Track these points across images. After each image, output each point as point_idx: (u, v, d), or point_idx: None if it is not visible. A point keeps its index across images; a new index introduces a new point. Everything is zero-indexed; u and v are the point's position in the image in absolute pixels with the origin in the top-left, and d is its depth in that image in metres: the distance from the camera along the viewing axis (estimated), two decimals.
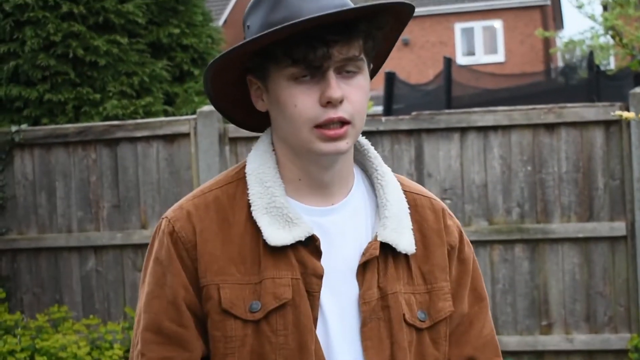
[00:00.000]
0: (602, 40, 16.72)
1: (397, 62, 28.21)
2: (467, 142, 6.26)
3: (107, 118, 7.18)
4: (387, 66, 24.74)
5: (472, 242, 6.56)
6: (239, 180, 1.87)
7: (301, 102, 1.76)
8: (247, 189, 1.84)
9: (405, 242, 1.86)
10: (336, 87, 1.75)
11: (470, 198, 6.26)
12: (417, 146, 6.30)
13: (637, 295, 6.09)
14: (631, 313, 6.12)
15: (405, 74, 25.19)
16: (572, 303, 6.19)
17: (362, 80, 1.80)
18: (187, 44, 7.82)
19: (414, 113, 6.37)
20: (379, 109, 14.62)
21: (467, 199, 6.26)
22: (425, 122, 6.28)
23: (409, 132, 6.30)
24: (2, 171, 6.67)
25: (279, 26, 1.72)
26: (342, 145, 1.78)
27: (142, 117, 7.22)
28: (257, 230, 1.81)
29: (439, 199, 1.99)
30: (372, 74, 1.91)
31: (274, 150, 1.87)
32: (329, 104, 1.75)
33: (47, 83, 7.27)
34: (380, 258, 1.85)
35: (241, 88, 1.88)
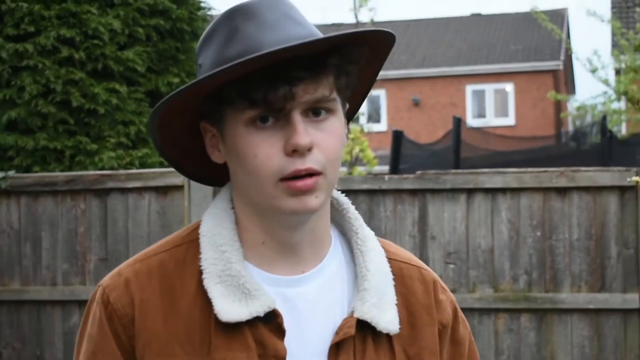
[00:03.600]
0: (614, 105, 16.54)
1: (407, 122, 28.10)
2: (473, 204, 5.98)
3: (102, 170, 6.92)
4: (398, 125, 24.60)
5: (476, 309, 6.15)
6: (191, 242, 1.57)
7: (263, 151, 1.48)
8: (200, 253, 1.54)
9: (387, 319, 1.56)
10: (303, 132, 1.47)
11: (475, 263, 5.96)
12: (421, 207, 6.02)
13: None
14: None
15: (414, 134, 25.02)
16: None
17: (335, 123, 1.52)
18: None
19: (418, 172, 6.10)
20: (385, 168, 14.39)
21: (472, 264, 5.96)
22: (430, 182, 6.00)
23: (413, 192, 6.02)
24: None
25: (231, 63, 1.43)
26: (312, 201, 1.49)
27: (138, 169, 6.97)
28: (208, 303, 1.51)
29: (430, 269, 1.69)
30: (350, 116, 1.63)
31: (233, 208, 1.58)
32: (295, 152, 1.47)
33: (44, 131, 7.04)
34: (357, 338, 1.55)
35: (195, 136, 1.59)
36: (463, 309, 1.81)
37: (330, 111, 1.51)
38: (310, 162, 1.48)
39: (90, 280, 6.25)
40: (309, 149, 1.48)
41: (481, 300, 5.87)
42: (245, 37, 1.49)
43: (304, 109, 1.48)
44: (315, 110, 1.50)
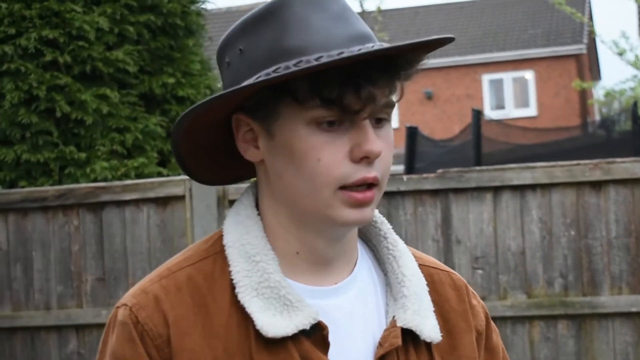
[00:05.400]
0: None
1: (420, 117, 28.06)
2: (501, 203, 5.94)
3: (94, 181, 6.86)
4: (409, 121, 24.56)
5: (508, 318, 6.08)
6: (216, 254, 1.55)
7: (327, 155, 1.46)
8: (229, 266, 1.52)
9: (429, 327, 1.57)
10: (376, 139, 1.46)
11: (505, 267, 5.92)
12: (443, 208, 5.98)
13: None
14: None
15: (428, 129, 24.99)
16: None
17: (390, 131, 1.53)
18: (182, 96, 7.52)
19: (439, 171, 6.07)
20: (400, 168, 14.33)
21: (501, 268, 5.92)
22: (452, 180, 5.96)
23: (435, 193, 5.99)
24: None
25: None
26: (369, 213, 1.50)
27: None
28: (245, 318, 1.50)
29: (458, 274, 1.71)
30: None
31: (259, 214, 1.56)
32: (363, 159, 1.47)
33: (26, 143, 6.99)
34: (399, 349, 1.55)
35: (216, 130, 1.57)
36: (494, 318, 1.80)
37: (387, 118, 1.52)
38: (375, 171, 1.48)
39: (88, 303, 6.22)
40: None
41: (513, 308, 5.82)
42: (314, 26, 1.47)
43: (370, 114, 1.48)
44: (378, 117, 1.50)
